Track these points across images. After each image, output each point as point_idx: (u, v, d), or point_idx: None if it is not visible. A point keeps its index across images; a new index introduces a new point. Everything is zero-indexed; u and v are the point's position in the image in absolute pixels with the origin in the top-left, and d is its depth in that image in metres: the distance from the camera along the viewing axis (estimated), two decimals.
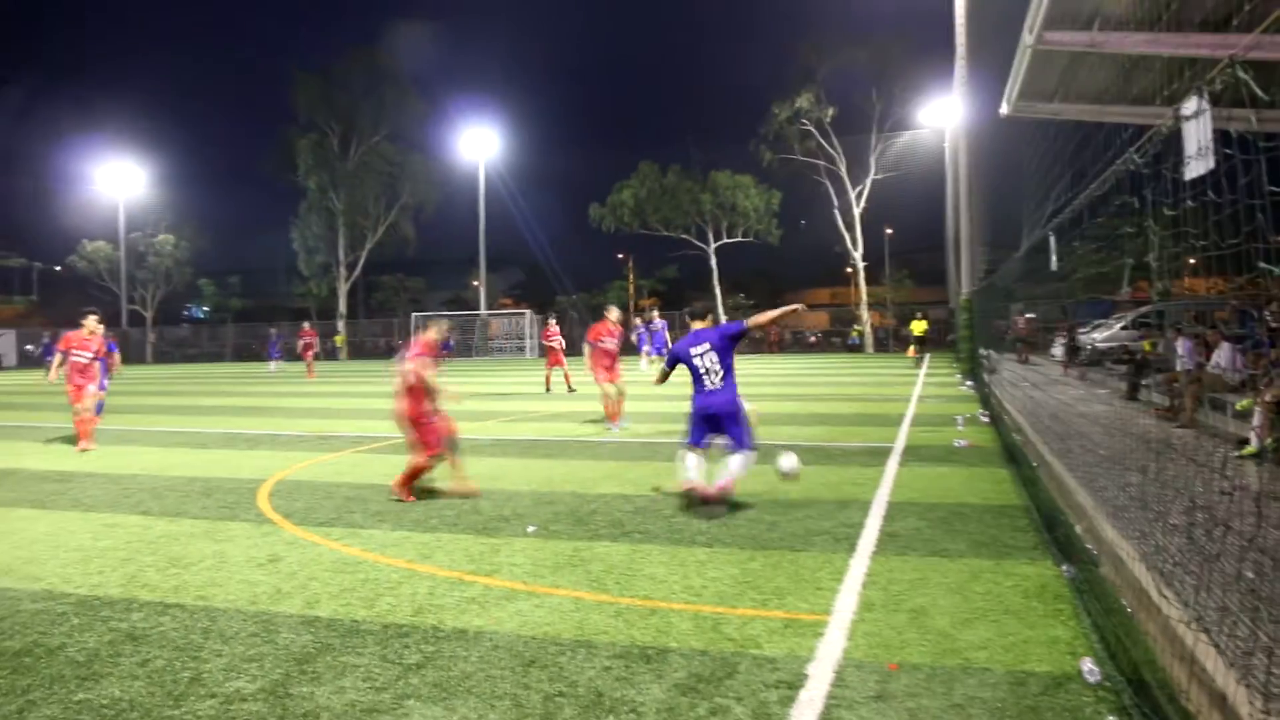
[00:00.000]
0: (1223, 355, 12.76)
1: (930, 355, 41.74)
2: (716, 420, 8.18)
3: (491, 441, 13.91)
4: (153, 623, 5.43)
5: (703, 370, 8.18)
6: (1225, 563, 4.44)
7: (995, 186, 18.90)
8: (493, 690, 4.34)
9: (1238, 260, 3.64)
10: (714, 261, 65.13)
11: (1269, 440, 9.47)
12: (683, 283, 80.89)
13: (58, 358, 14.09)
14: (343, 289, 70.37)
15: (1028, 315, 23.38)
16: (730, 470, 8.15)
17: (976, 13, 25.18)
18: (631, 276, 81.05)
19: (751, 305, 71.05)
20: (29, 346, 56.41)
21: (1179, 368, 13.93)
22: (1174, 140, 4.36)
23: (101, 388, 18.04)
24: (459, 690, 4.35)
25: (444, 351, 46.50)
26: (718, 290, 65.40)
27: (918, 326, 38.01)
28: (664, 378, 8.93)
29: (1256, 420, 9.73)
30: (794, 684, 4.36)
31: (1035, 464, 9.66)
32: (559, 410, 18.98)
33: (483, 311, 65.97)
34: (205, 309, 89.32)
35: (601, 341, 15.49)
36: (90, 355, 14.15)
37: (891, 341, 61.20)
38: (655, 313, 28.71)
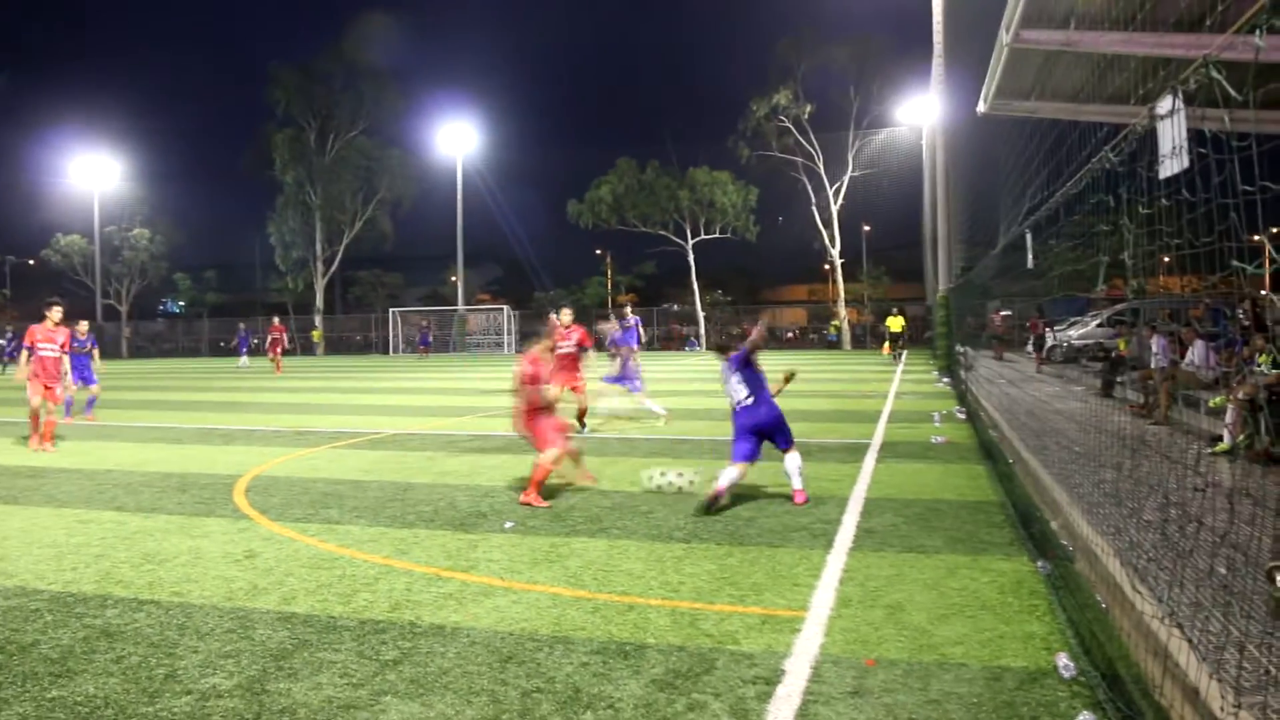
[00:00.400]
0: (1196, 353, 12.88)
1: (907, 352, 41.93)
2: (760, 431, 8.57)
3: (469, 437, 13.88)
4: (127, 619, 5.39)
5: (733, 394, 8.73)
6: (1198, 558, 4.48)
7: (972, 184, 18.97)
8: (470, 686, 4.33)
9: (1211, 258, 3.67)
10: (692, 258, 65.18)
11: (1241, 437, 9.57)
12: (661, 279, 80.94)
13: (24, 354, 13.47)
14: (320, 284, 69.97)
15: (1004, 312, 23.52)
16: (794, 475, 8.62)
17: (954, 11, 25.28)
18: (610, 273, 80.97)
19: (729, 302, 71.17)
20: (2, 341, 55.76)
21: (1153, 365, 14.05)
22: (1149, 139, 4.39)
23: (91, 382, 17.92)
24: (436, 686, 4.34)
25: (421, 346, 45.58)
26: (695, 287, 65.47)
27: (894, 323, 38.17)
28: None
29: (1229, 417, 9.82)
30: (771, 680, 4.37)
31: (1011, 460, 9.73)
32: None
33: (460, 307, 65.74)
34: (181, 304, 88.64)
35: (558, 347, 13.38)
36: (56, 349, 13.63)
37: (869, 338, 61.43)
38: (628, 309, 28.42)
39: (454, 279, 69.38)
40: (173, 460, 11.89)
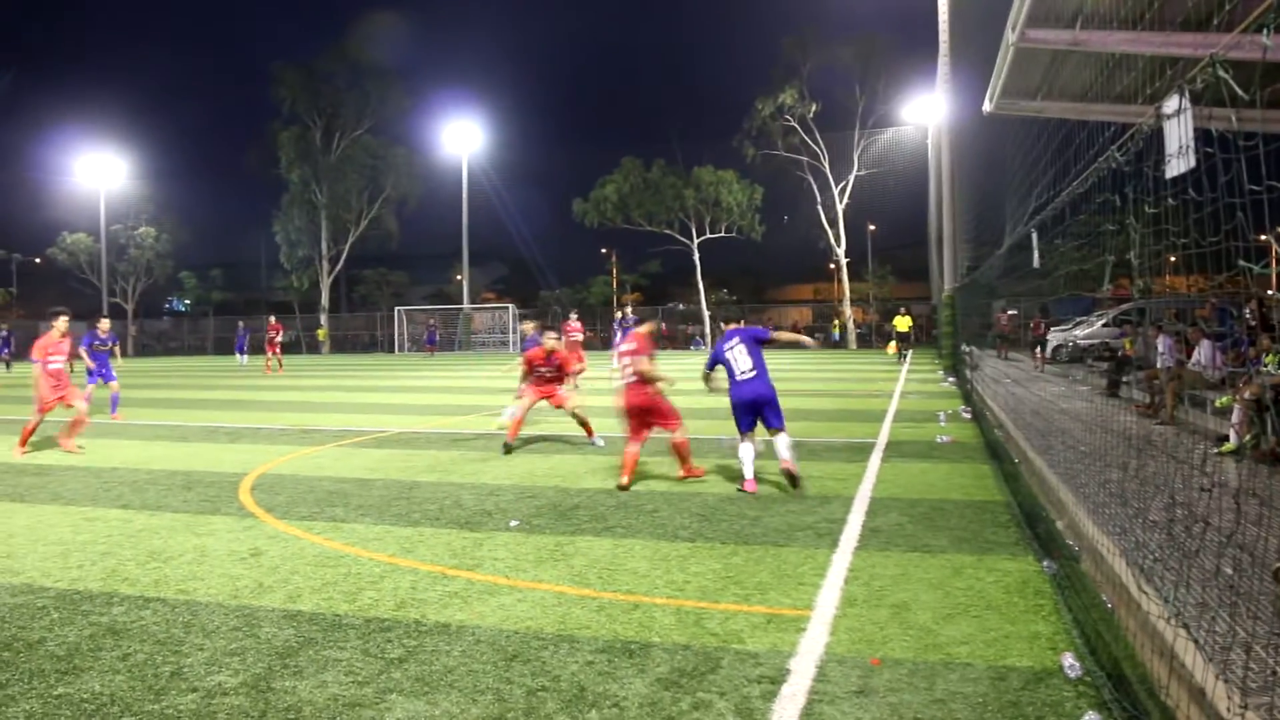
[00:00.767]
0: (1203, 352, 12.86)
1: (913, 351, 41.87)
2: (757, 406, 9.04)
3: (474, 435, 13.89)
4: (133, 616, 5.41)
5: (733, 362, 9.18)
6: (1204, 558, 4.48)
7: (978, 184, 18.94)
8: (475, 685, 4.34)
9: (1218, 258, 3.67)
10: (697, 257, 65.07)
11: (1248, 437, 9.56)
12: (666, 278, 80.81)
13: (36, 369, 12.66)
14: (325, 283, 69.99)
15: (1010, 312, 23.48)
16: (784, 454, 8.95)
17: (960, 10, 25.22)
18: (615, 271, 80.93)
19: (734, 300, 71.07)
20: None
21: (1159, 365, 14.04)
22: (1155, 138, 4.38)
23: (111, 379, 17.89)
24: (441, 685, 4.34)
25: (428, 345, 45.46)
26: (701, 285, 65.41)
27: (901, 323, 38.09)
28: (707, 379, 9.71)
29: (1235, 417, 9.81)
30: (776, 679, 4.37)
31: (1017, 460, 9.71)
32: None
33: (465, 306, 65.76)
34: (187, 302, 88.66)
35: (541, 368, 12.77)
36: (64, 360, 13.06)
37: (874, 337, 61.35)
38: (629, 309, 28.36)
39: (459, 278, 69.37)
40: (178, 458, 11.91)
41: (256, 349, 45.92)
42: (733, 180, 62.46)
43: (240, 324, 47.72)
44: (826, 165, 59.18)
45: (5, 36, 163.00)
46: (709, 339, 60.89)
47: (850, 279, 62.61)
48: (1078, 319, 28.65)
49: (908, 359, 36.93)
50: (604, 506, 8.43)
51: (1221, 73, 3.56)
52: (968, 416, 15.43)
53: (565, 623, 5.23)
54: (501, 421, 14.25)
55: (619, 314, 27.56)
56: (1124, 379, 16.15)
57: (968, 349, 21.37)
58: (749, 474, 9.06)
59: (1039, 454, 8.76)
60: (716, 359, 9.47)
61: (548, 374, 12.71)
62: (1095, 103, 7.97)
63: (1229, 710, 3.20)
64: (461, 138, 64.77)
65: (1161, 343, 14.40)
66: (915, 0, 35.90)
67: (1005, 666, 4.46)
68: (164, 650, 4.83)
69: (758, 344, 9.29)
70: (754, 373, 9.07)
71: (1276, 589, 4.45)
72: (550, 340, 12.73)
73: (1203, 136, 3.79)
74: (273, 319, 40.37)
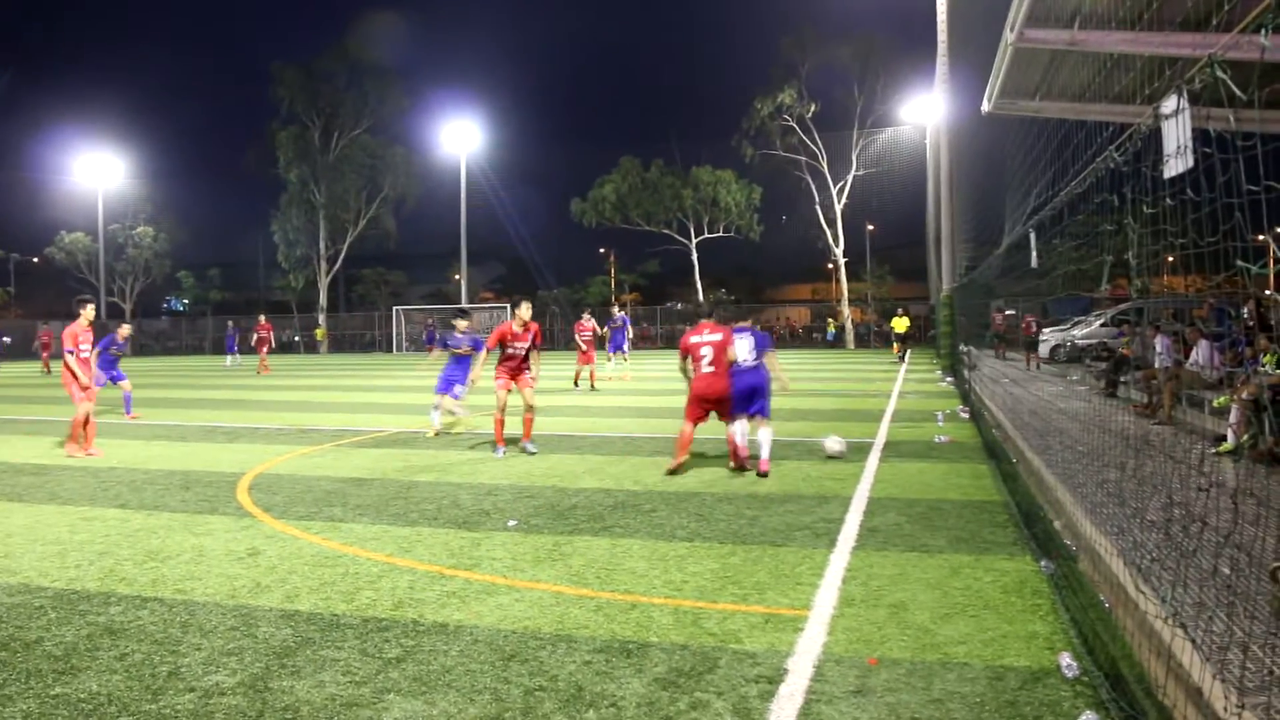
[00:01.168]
0: (1201, 352, 12.87)
1: (911, 351, 41.89)
2: (752, 391, 10.15)
3: (471, 434, 13.89)
4: (131, 616, 5.40)
5: (741, 357, 10.15)
6: (1202, 558, 4.48)
7: (977, 183, 18.93)
8: (473, 684, 4.34)
9: (1216, 258, 3.67)
10: (695, 257, 65.14)
11: (1245, 437, 9.56)
12: (665, 278, 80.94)
13: (69, 358, 12.26)
14: (323, 282, 70.00)
15: (1007, 312, 23.48)
16: (764, 445, 10.04)
17: (958, 9, 25.22)
18: (613, 271, 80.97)
19: (733, 300, 71.07)
20: (5, 339, 55.80)
21: (1157, 365, 14.04)
22: (1154, 138, 4.38)
23: (121, 378, 17.80)
24: (439, 684, 4.34)
25: (428, 344, 45.38)
26: (699, 285, 65.42)
27: (900, 324, 38.10)
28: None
29: (1233, 417, 9.82)
30: (774, 679, 4.37)
31: (1015, 460, 9.72)
32: (541, 404, 18.90)
33: (464, 305, 65.78)
34: (185, 301, 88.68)
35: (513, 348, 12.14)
36: (90, 348, 12.81)
37: (872, 337, 61.36)
38: (615, 308, 28.46)
39: (457, 277, 69.39)
40: (176, 458, 11.91)
41: (248, 349, 45.91)
42: (731, 180, 62.54)
43: (230, 323, 47.56)
44: (825, 165, 59.24)
45: (5, 36, 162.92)
46: None
47: (849, 279, 62.68)
48: (1076, 319, 28.68)
49: (906, 358, 36.95)
50: (602, 506, 8.43)
51: (1220, 73, 3.56)
52: (965, 416, 15.44)
53: (563, 622, 5.22)
54: (435, 428, 14.23)
55: (612, 312, 27.73)
56: (1122, 379, 16.16)
57: (966, 349, 21.38)
58: (741, 442, 10.13)
59: (1037, 454, 8.76)
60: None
61: (520, 352, 11.93)
62: (1093, 103, 7.97)
63: (1226, 710, 3.20)
64: (460, 137, 64.75)
65: (1159, 343, 14.41)
66: (914, 0, 35.91)
67: (1003, 666, 4.46)
68: (161, 650, 4.82)
69: (760, 347, 10.32)
70: (756, 364, 10.21)
71: (1274, 589, 4.45)
72: (525, 310, 11.94)
73: (1201, 136, 3.79)
74: (262, 319, 40.11)
